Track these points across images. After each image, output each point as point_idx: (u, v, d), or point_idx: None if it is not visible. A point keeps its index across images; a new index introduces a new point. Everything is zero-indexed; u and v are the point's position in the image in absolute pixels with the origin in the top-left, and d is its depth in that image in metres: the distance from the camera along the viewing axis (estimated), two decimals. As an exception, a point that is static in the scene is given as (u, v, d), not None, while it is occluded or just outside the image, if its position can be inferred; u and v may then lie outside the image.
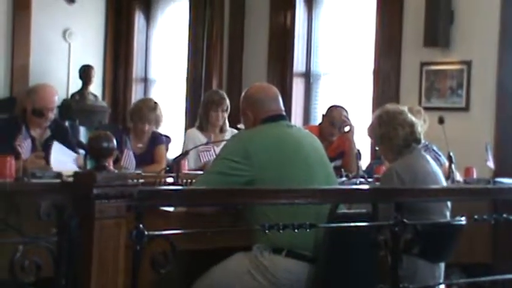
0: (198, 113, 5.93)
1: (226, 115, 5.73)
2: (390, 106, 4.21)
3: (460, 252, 4.10)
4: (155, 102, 5.77)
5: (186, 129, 8.75)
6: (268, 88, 3.90)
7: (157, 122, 5.69)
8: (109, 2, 9.77)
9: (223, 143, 4.06)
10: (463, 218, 3.63)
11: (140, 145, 5.60)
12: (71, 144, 5.34)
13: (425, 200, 3.50)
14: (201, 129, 5.72)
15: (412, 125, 4.01)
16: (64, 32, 9.35)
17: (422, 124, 4.23)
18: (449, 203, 3.96)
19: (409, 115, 4.08)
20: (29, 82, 8.59)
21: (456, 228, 3.86)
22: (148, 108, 5.59)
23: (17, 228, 2.26)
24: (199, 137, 5.67)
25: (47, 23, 9.17)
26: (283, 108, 3.78)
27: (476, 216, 3.15)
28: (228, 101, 5.73)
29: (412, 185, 3.78)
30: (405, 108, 4.16)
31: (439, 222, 3.77)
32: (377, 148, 4.25)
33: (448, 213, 3.95)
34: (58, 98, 5.54)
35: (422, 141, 4.17)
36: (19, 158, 4.57)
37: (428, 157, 4.14)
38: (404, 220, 2.91)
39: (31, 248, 2.22)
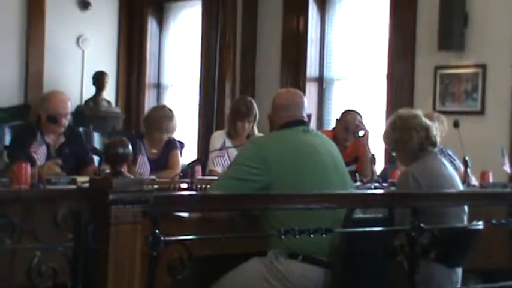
0: (226, 119, 5.92)
1: (253, 124, 5.71)
2: (403, 111, 4.18)
3: (477, 257, 4.06)
4: (171, 110, 5.76)
5: (199, 134, 8.77)
6: (289, 94, 3.94)
7: (173, 131, 5.69)
8: (122, 8, 9.79)
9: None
10: (480, 223, 3.60)
11: (155, 151, 5.60)
12: (85, 150, 5.35)
13: (443, 204, 3.47)
14: (229, 135, 5.71)
15: (427, 129, 3.99)
16: (77, 39, 9.38)
17: (437, 126, 4.19)
18: (466, 207, 3.93)
19: (424, 118, 4.05)
20: (43, 89, 8.61)
21: (473, 233, 3.82)
22: (167, 119, 5.58)
23: (34, 234, 2.25)
24: (225, 142, 5.66)
25: (61, 29, 9.20)
26: (304, 114, 3.78)
27: (494, 221, 3.12)
28: (255, 110, 5.69)
29: (428, 188, 3.75)
30: (419, 112, 4.14)
31: (456, 226, 3.74)
32: (393, 154, 4.22)
33: (465, 217, 3.92)
34: (72, 105, 5.55)
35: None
36: (34, 164, 4.57)
37: (445, 161, 4.11)
38: (421, 225, 2.89)
39: (48, 254, 2.22)
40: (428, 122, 4.05)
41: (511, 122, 6.47)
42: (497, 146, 5.97)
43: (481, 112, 6.65)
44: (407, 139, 3.97)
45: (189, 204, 2.59)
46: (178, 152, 5.75)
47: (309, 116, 3.90)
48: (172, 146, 5.70)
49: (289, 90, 4.24)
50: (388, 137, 4.09)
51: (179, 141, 6.17)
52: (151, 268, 2.37)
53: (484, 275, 4.94)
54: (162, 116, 5.59)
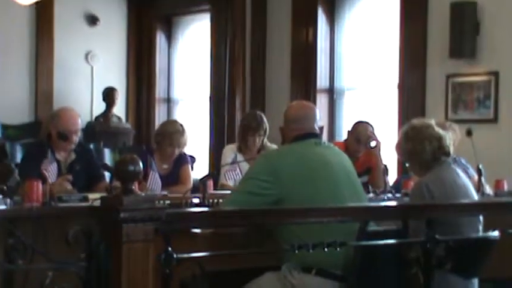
0: (237, 134, 5.91)
1: (264, 138, 5.69)
2: (416, 121, 4.15)
3: (493, 268, 4.01)
4: (182, 125, 5.75)
5: (210, 148, 8.76)
6: (301, 106, 3.94)
7: (185, 145, 5.66)
8: (130, 23, 9.81)
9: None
10: (496, 232, 3.56)
11: (165, 166, 5.57)
12: (96, 166, 5.34)
13: (457, 215, 3.43)
14: (240, 150, 5.69)
15: (439, 139, 3.95)
16: (86, 55, 9.40)
17: (450, 136, 4.15)
18: (481, 218, 3.88)
19: (436, 128, 4.01)
20: (53, 106, 8.63)
21: (489, 243, 3.78)
22: (179, 133, 5.56)
23: (45, 254, 2.23)
24: (237, 156, 5.64)
25: (70, 46, 9.22)
26: (316, 126, 3.77)
27: (511, 230, 3.08)
28: (266, 124, 5.68)
29: (442, 199, 3.71)
30: (432, 122, 4.10)
31: (472, 237, 3.69)
32: (406, 165, 4.18)
33: (480, 227, 3.88)
34: (82, 121, 5.54)
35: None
36: (46, 182, 4.56)
37: (459, 170, 4.07)
38: (436, 236, 2.85)
39: (60, 273, 2.20)
40: (441, 131, 4.01)
41: (525, 129, 6.43)
42: (510, 154, 5.93)
43: (494, 120, 6.61)
44: (420, 150, 3.94)
45: (202, 220, 2.57)
46: (189, 166, 5.73)
47: (321, 128, 3.87)
48: (183, 161, 5.67)
49: (301, 102, 4.23)
50: (400, 147, 4.06)
51: (190, 156, 6.14)
52: (164, 285, 2.34)
53: (499, 284, 4.89)
54: (174, 131, 5.57)
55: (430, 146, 3.93)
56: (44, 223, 3.79)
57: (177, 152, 5.57)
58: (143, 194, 2.31)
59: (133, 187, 2.29)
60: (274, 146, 5.52)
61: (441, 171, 3.91)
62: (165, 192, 4.91)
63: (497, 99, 6.60)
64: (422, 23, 7.06)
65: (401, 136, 4.06)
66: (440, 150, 3.94)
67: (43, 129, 7.48)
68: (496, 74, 6.60)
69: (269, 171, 3.48)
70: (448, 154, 3.99)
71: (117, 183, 3.91)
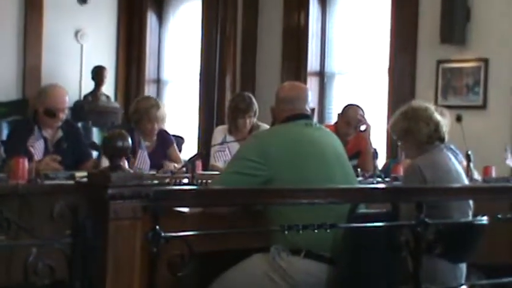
0: (226, 116, 5.87)
1: (254, 119, 5.66)
2: (416, 102, 4.16)
3: (481, 253, 4.01)
4: (155, 99, 5.72)
5: (199, 129, 8.72)
6: (293, 87, 3.91)
7: (163, 119, 5.60)
8: (121, 2, 9.73)
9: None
10: (485, 218, 3.55)
11: (148, 143, 5.50)
12: (84, 144, 5.29)
13: (448, 199, 3.42)
14: (230, 132, 5.65)
15: (437, 123, 3.96)
16: (76, 33, 9.32)
17: (447, 123, 4.16)
18: (471, 203, 3.88)
19: (436, 113, 4.02)
20: (41, 84, 8.52)
21: (478, 228, 3.77)
22: (155, 108, 5.49)
23: (29, 230, 2.19)
24: (226, 137, 5.61)
25: (59, 24, 9.14)
26: (308, 107, 3.74)
27: (499, 215, 3.07)
28: (255, 106, 5.64)
29: (434, 182, 3.70)
30: (432, 106, 4.10)
31: (461, 221, 3.69)
32: (399, 143, 4.17)
33: (470, 213, 3.88)
34: (70, 100, 5.49)
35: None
36: (32, 159, 4.52)
37: (451, 155, 4.06)
38: (426, 220, 2.83)
39: (44, 250, 2.16)
40: (439, 117, 4.02)
41: (513, 116, 6.42)
42: (499, 141, 5.93)
43: (483, 106, 6.60)
44: (416, 130, 3.94)
45: (190, 199, 2.53)
46: (175, 147, 5.69)
47: (312, 110, 3.84)
48: (169, 142, 5.61)
49: (293, 83, 4.21)
50: (396, 124, 4.04)
51: (179, 136, 6.11)
52: (151, 265, 2.31)
53: (487, 270, 4.89)
54: (149, 106, 5.49)
55: (427, 128, 3.93)
56: (29, 200, 3.76)
57: (156, 127, 5.49)
58: (131, 171, 2.27)
59: (122, 163, 2.25)
60: (266, 126, 5.49)
61: (433, 155, 3.91)
62: (153, 172, 4.88)
63: (486, 86, 6.59)
64: (414, 8, 7.03)
65: (400, 114, 4.05)
66: (436, 134, 3.94)
67: (30, 106, 7.44)
68: (485, 61, 6.58)
69: (259, 152, 3.45)
70: (442, 140, 3.99)
71: (104, 162, 3.88)
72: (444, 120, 4.12)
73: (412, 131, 3.96)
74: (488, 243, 4.11)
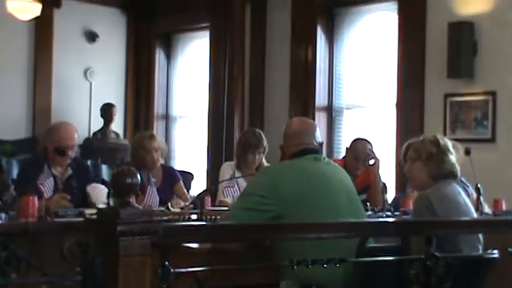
0: (235, 152, 5.88)
1: (263, 156, 5.67)
2: (442, 136, 4.15)
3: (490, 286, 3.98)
4: (151, 132, 5.78)
5: (208, 165, 8.73)
6: (300, 122, 3.94)
7: (161, 150, 5.61)
8: (130, 39, 9.82)
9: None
10: (496, 251, 3.53)
11: (154, 180, 5.51)
12: (93, 182, 5.30)
13: (458, 232, 3.40)
14: (239, 167, 5.65)
15: (456, 161, 3.95)
16: (85, 71, 9.40)
17: (459, 159, 4.14)
18: (481, 237, 3.86)
19: (457, 153, 4.02)
20: (51, 122, 8.59)
21: (488, 262, 3.75)
22: (147, 139, 5.53)
23: (40, 268, 2.20)
24: (235, 173, 5.61)
25: (68, 62, 9.23)
26: (316, 141, 3.75)
27: (510, 249, 3.06)
28: (265, 142, 5.66)
29: (443, 214, 3.68)
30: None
31: (471, 255, 3.66)
32: (406, 167, 4.07)
33: (480, 247, 3.85)
34: (80, 137, 5.52)
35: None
36: (42, 197, 4.54)
37: (460, 188, 4.05)
38: (436, 254, 2.82)
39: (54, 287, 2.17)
40: (457, 156, 4.02)
41: (523, 148, 6.42)
42: (508, 173, 5.92)
43: (492, 139, 6.60)
44: (442, 160, 3.89)
45: (200, 234, 2.53)
46: (182, 183, 5.69)
47: (321, 144, 3.84)
48: (175, 178, 5.62)
49: (300, 118, 4.23)
50: (424, 145, 3.97)
51: (188, 172, 6.12)
52: (161, 301, 2.31)
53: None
54: (143, 138, 5.55)
55: (449, 163, 3.90)
56: (39, 238, 3.76)
57: (156, 157, 5.51)
58: (140, 207, 2.28)
59: (131, 200, 2.26)
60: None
61: (444, 188, 3.88)
62: (162, 208, 4.88)
63: (494, 119, 6.59)
64: (421, 42, 7.07)
65: (430, 137, 3.99)
66: (454, 170, 3.92)
67: (40, 144, 7.47)
68: (493, 94, 6.60)
69: (268, 187, 3.46)
70: (455, 177, 3.96)
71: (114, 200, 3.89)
72: (457, 156, 4.10)
73: (437, 159, 3.88)
74: (499, 278, 4.09)
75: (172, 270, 2.30)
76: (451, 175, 3.93)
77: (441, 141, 3.96)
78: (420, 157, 3.95)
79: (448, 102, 6.86)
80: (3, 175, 6.31)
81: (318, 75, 7.93)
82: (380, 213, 4.92)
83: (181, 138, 9.56)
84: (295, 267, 2.63)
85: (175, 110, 9.77)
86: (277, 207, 3.41)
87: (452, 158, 3.95)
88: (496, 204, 5.40)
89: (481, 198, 5.12)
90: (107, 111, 9.19)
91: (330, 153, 7.81)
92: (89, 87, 9.42)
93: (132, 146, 5.65)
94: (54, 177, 5.01)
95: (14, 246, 2.13)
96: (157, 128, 9.67)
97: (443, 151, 3.92)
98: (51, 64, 9.08)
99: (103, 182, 5.63)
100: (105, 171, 7.87)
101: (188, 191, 5.86)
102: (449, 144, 4.02)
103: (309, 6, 7.96)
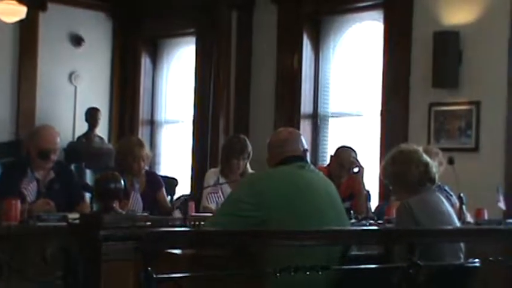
0: (220, 158, 5.88)
1: (247, 162, 5.67)
2: (404, 146, 4.17)
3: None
4: (138, 139, 5.74)
5: (192, 171, 8.72)
6: (284, 131, 3.96)
7: (148, 158, 5.60)
8: (115, 44, 9.78)
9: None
10: (477, 260, 3.55)
11: (137, 185, 5.49)
12: (76, 186, 5.29)
13: (440, 240, 3.42)
14: (223, 173, 5.65)
15: (426, 165, 3.96)
16: (70, 75, 9.36)
17: (437, 165, 4.16)
18: (463, 246, 3.87)
19: (424, 155, 4.02)
20: (35, 125, 8.53)
21: (470, 271, 3.77)
22: (137, 147, 5.50)
23: (22, 271, 2.19)
24: (219, 179, 5.61)
25: (53, 65, 9.18)
26: (300, 149, 3.76)
27: (491, 258, 3.07)
28: (249, 148, 5.66)
29: (425, 222, 3.70)
30: (420, 148, 4.11)
31: (454, 264, 3.68)
32: (391, 188, 4.17)
33: (461, 255, 3.87)
34: (64, 141, 5.50)
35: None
36: (24, 201, 4.52)
37: (442, 197, 4.07)
38: (419, 262, 2.84)
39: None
40: (428, 159, 4.02)
41: (506, 158, 6.44)
42: (491, 183, 5.94)
43: (476, 149, 6.63)
44: (406, 172, 3.93)
45: (183, 240, 2.53)
46: (164, 190, 5.66)
47: (305, 150, 3.84)
48: (158, 185, 5.59)
49: (283, 128, 4.21)
50: (386, 169, 4.05)
51: (172, 178, 6.11)
52: (143, 306, 2.30)
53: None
54: (133, 145, 5.50)
55: (416, 170, 3.93)
56: (21, 242, 3.75)
57: (142, 165, 5.48)
58: (124, 213, 2.28)
59: (114, 205, 2.26)
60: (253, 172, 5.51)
61: (426, 196, 3.90)
62: (146, 213, 4.86)
63: (478, 129, 6.63)
64: (406, 51, 7.09)
65: (389, 158, 4.05)
66: (426, 176, 3.94)
67: (23, 148, 7.44)
68: (477, 104, 6.63)
69: (252, 194, 3.46)
70: (433, 181, 3.98)
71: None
72: (434, 163, 4.12)
73: (402, 174, 3.95)
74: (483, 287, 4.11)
75: (154, 275, 2.30)
76: (427, 180, 3.95)
77: (398, 156, 4.00)
78: (390, 181, 4.03)
79: (432, 111, 6.89)
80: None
81: (303, 83, 7.95)
82: (363, 222, 4.94)
83: (166, 144, 9.54)
84: (278, 274, 2.63)
85: (160, 115, 9.75)
86: (261, 213, 3.41)
87: (420, 162, 3.95)
88: (478, 213, 5.43)
89: (464, 208, 5.15)
90: (91, 115, 9.15)
91: (315, 160, 7.81)
92: (74, 91, 9.38)
93: (118, 151, 5.59)
94: (37, 181, 4.98)
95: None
96: (142, 133, 9.64)
97: (404, 164, 3.95)
98: (35, 67, 9.03)
99: (86, 187, 5.61)
100: (89, 176, 7.84)
101: (172, 197, 5.84)
102: (413, 150, 4.03)
103: (296, 14, 7.98)
